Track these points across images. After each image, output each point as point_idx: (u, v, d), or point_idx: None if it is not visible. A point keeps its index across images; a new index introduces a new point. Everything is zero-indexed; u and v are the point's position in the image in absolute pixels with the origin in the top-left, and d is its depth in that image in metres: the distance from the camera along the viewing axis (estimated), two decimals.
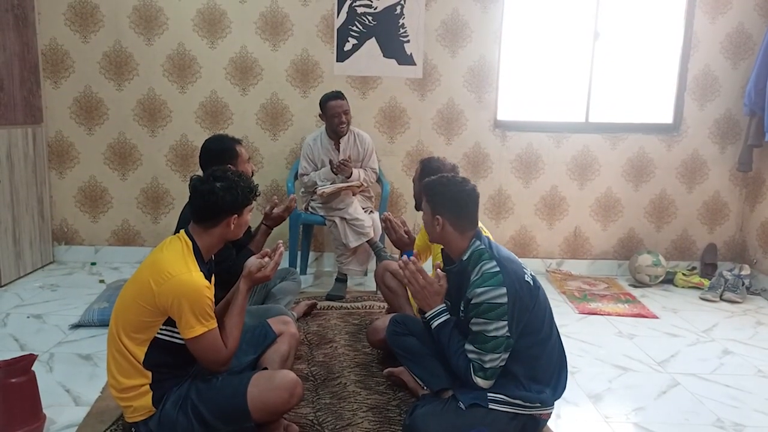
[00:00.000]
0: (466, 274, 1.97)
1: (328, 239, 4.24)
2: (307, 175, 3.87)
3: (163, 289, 1.82)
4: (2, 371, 2.12)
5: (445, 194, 2.03)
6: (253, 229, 2.79)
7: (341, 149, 3.85)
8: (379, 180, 4.10)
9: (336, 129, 3.77)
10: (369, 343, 2.88)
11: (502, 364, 1.92)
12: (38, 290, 3.72)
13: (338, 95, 3.76)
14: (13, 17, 3.80)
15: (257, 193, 2.06)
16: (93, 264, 4.30)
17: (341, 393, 2.51)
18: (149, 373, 1.89)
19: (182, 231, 1.99)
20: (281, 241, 2.15)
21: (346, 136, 3.86)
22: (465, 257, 2.01)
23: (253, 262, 2.05)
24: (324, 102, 3.76)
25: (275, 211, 2.80)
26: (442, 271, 2.11)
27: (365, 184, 3.84)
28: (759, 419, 2.47)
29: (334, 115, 3.73)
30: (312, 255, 4.36)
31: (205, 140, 2.75)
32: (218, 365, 1.92)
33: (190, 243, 1.94)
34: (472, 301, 1.90)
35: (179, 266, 1.86)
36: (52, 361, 2.75)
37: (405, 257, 2.09)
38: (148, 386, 1.89)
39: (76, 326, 3.12)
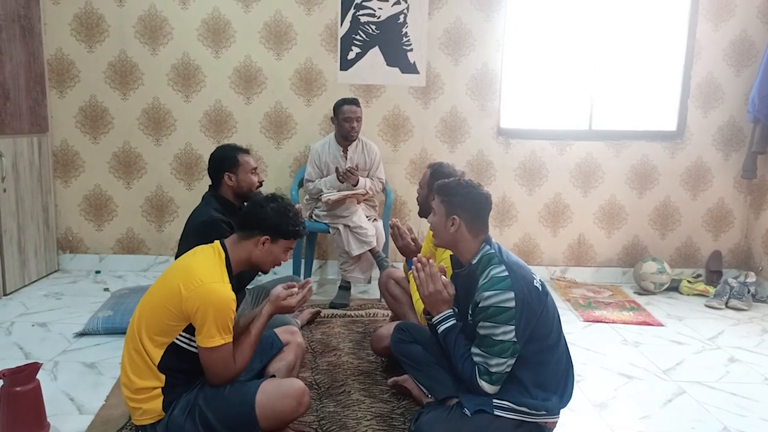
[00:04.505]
0: (475, 278, 1.97)
1: (332, 247, 4.24)
2: (313, 181, 3.88)
3: (192, 295, 1.83)
4: (7, 379, 2.12)
5: (465, 195, 2.03)
6: None
7: (349, 157, 3.86)
8: (383, 188, 4.11)
9: (346, 134, 3.79)
10: (373, 350, 2.88)
11: (508, 369, 1.91)
12: (43, 298, 3.72)
13: (354, 101, 3.80)
14: (20, 28, 3.83)
15: (297, 235, 2.07)
16: (97, 272, 4.31)
17: (345, 401, 2.51)
18: (163, 377, 1.89)
19: (217, 242, 2.02)
20: (311, 278, 2.16)
21: (355, 144, 3.88)
22: (474, 261, 2.01)
23: (280, 290, 2.07)
24: (339, 105, 3.79)
25: None
26: (450, 277, 2.11)
27: (370, 192, 3.85)
28: (766, 428, 2.46)
29: (346, 119, 3.75)
30: (315, 263, 4.35)
31: (216, 148, 2.88)
32: (223, 380, 1.93)
33: (223, 254, 1.98)
34: (480, 305, 1.90)
35: (212, 274, 1.89)
36: (57, 369, 2.75)
37: (423, 258, 2.07)
38: (160, 390, 1.90)
39: (81, 335, 3.13)
